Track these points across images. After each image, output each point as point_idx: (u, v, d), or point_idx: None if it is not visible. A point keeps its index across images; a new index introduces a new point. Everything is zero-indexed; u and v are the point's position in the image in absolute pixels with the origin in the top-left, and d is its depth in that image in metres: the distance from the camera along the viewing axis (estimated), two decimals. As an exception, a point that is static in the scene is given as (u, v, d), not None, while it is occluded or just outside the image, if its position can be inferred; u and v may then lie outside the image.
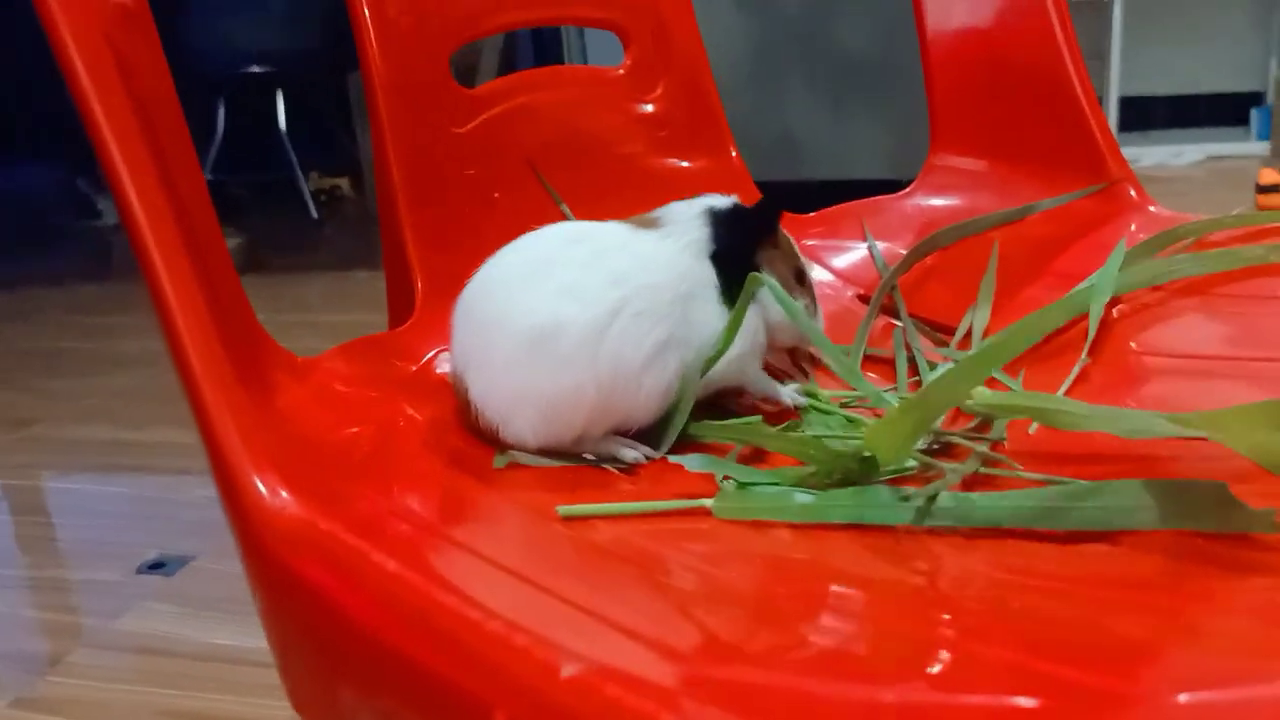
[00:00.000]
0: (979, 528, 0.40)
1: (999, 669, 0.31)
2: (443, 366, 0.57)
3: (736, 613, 0.36)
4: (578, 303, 0.46)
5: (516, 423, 0.47)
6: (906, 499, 0.41)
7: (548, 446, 0.48)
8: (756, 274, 0.51)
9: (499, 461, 0.47)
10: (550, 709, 0.30)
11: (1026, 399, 0.45)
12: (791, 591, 0.37)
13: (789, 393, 0.55)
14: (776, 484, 0.44)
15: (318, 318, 1.74)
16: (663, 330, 0.49)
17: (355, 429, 0.49)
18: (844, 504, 0.42)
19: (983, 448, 0.46)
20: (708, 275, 0.51)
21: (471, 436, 0.49)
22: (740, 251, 0.52)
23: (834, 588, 0.37)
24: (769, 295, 0.52)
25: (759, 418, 0.53)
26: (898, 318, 0.65)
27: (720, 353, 0.50)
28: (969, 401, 0.43)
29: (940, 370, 0.53)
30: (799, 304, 0.54)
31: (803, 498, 0.42)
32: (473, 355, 0.48)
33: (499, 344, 0.47)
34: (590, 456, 0.49)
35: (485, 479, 0.46)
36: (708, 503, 0.43)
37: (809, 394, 0.55)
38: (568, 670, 0.30)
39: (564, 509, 0.42)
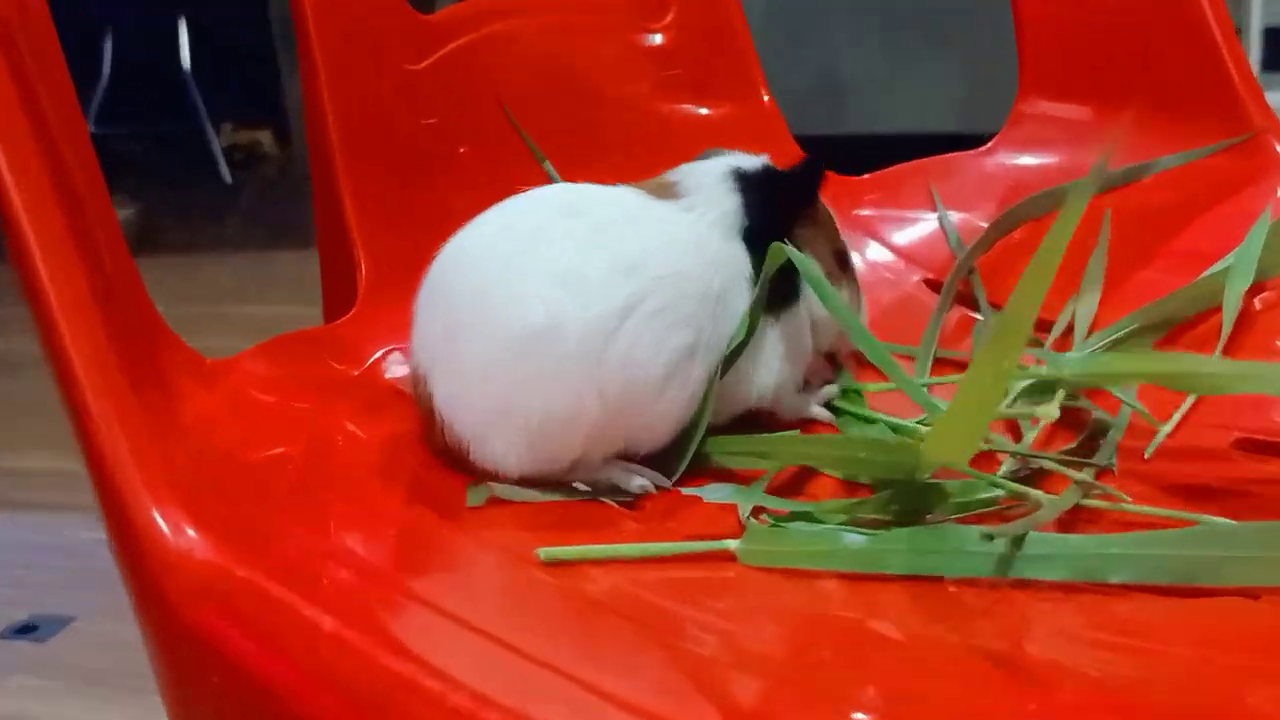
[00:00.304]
0: (1079, 581, 0.40)
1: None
2: (393, 370, 0.57)
3: (767, 688, 0.36)
4: (579, 295, 0.47)
5: (495, 443, 0.47)
6: (988, 539, 0.41)
7: (534, 474, 0.48)
8: (780, 245, 0.51)
9: (474, 498, 0.47)
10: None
11: (1137, 362, 0.45)
12: (837, 661, 0.37)
13: (818, 408, 0.56)
14: (818, 520, 0.44)
15: (233, 308, 1.75)
16: (687, 334, 0.49)
17: (282, 449, 0.49)
18: (905, 548, 0.42)
19: (1085, 475, 0.47)
20: (740, 261, 0.51)
21: (433, 457, 0.50)
22: (778, 228, 0.52)
23: (892, 657, 0.38)
24: (808, 287, 0.53)
25: (795, 433, 0.53)
26: (977, 309, 0.65)
27: (737, 351, 0.51)
28: (1057, 373, 0.43)
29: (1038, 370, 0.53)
30: (840, 293, 0.54)
31: (852, 539, 0.42)
32: (440, 353, 0.48)
33: (475, 342, 0.47)
34: (583, 486, 0.49)
35: (449, 513, 0.47)
36: (731, 545, 0.43)
37: (844, 394, 0.56)
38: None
39: (547, 552, 0.43)
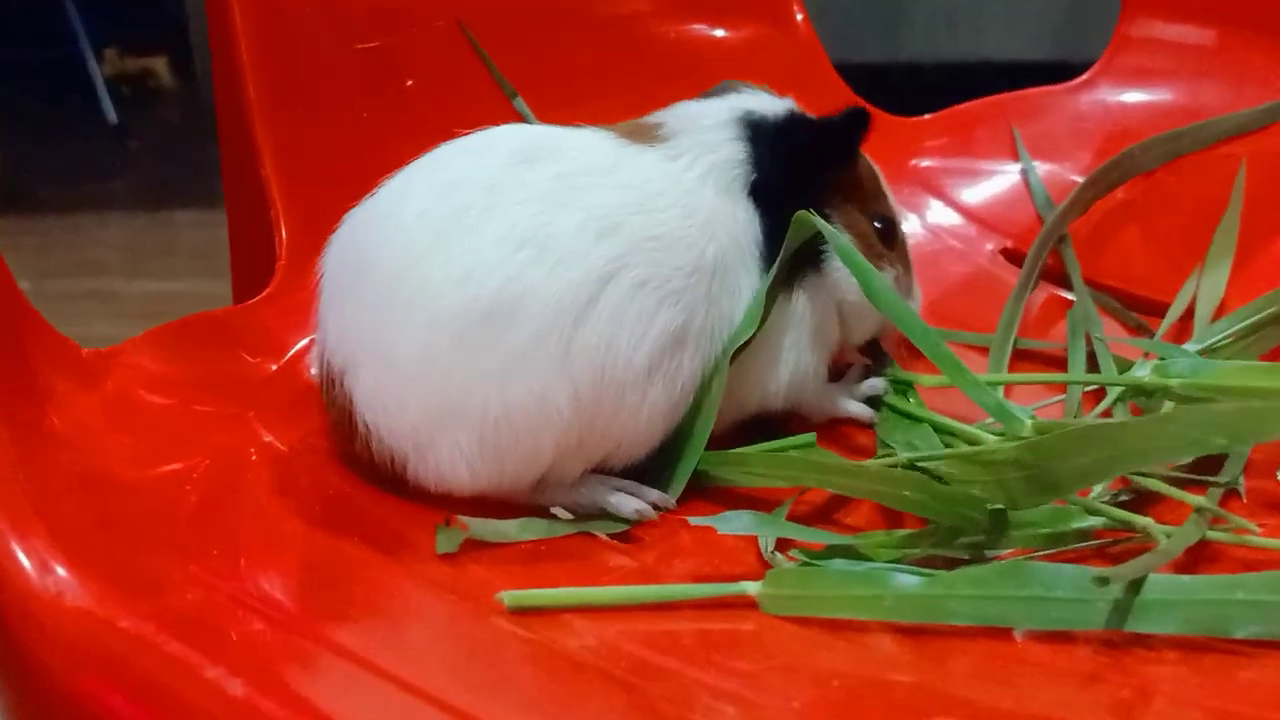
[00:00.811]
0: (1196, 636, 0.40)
1: None
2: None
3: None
4: (542, 261, 0.47)
5: (439, 453, 0.48)
6: (1102, 583, 0.41)
7: (491, 491, 0.48)
8: (807, 215, 0.51)
9: (445, 543, 0.47)
10: None
11: (1269, 374, 0.45)
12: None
13: (852, 404, 0.56)
14: (861, 557, 0.44)
15: (120, 285, 1.74)
16: (676, 314, 0.49)
17: (179, 465, 0.49)
18: (974, 593, 0.42)
19: (1207, 501, 0.47)
20: (744, 225, 0.52)
21: (365, 475, 0.50)
22: (797, 186, 0.53)
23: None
24: (838, 263, 0.53)
25: (811, 437, 0.53)
26: (1068, 288, 0.65)
27: (743, 342, 0.51)
28: (1162, 382, 0.44)
29: (1141, 371, 0.53)
30: (884, 275, 0.54)
31: (905, 581, 0.42)
32: (363, 344, 0.48)
33: (409, 327, 0.47)
34: (564, 514, 0.49)
35: (389, 547, 0.47)
36: (752, 589, 0.43)
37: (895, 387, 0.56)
38: None
39: (512, 596, 0.43)
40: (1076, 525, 0.47)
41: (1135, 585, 0.41)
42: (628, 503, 0.49)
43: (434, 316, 0.46)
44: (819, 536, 0.46)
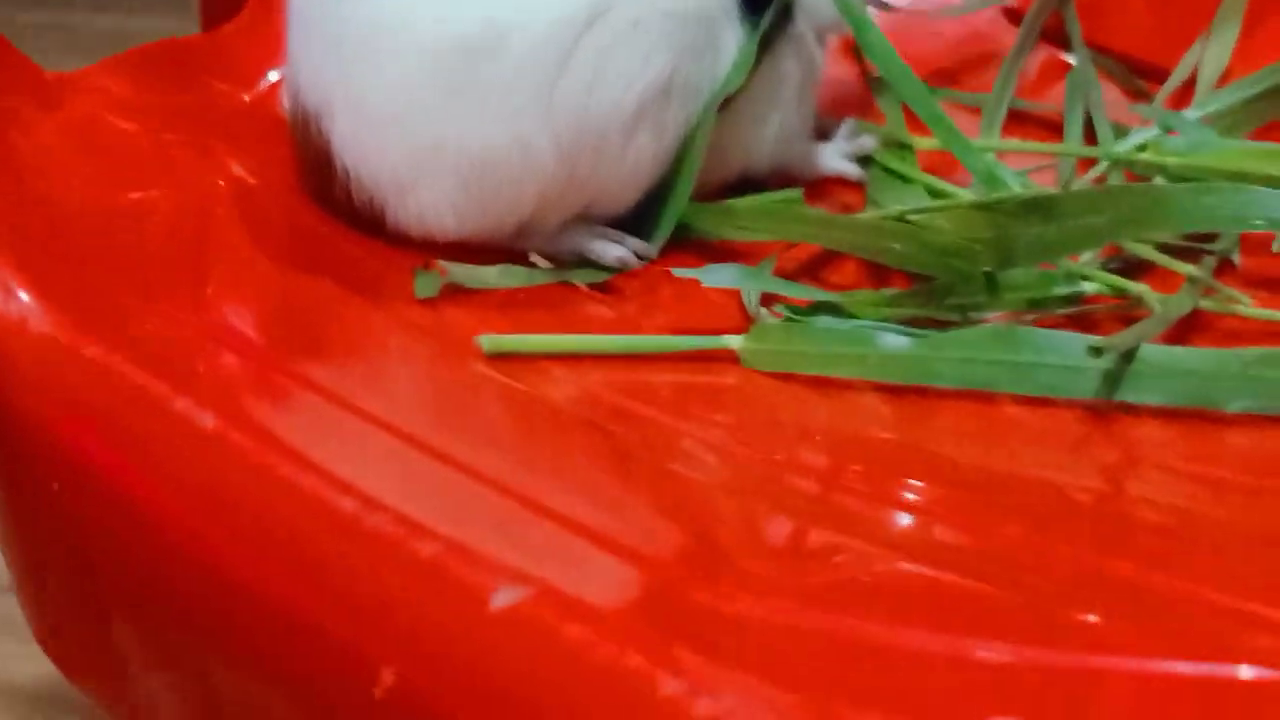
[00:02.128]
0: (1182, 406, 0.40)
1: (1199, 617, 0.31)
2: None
3: (774, 519, 0.36)
4: None
5: (422, 195, 0.47)
6: (1095, 354, 0.40)
7: (476, 234, 0.48)
8: None
9: (424, 288, 0.46)
10: (472, 663, 0.30)
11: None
12: (869, 492, 0.37)
13: (841, 161, 0.55)
14: (847, 315, 0.44)
15: (81, 19, 1.70)
16: (664, 63, 0.47)
17: (145, 193, 0.48)
18: (961, 355, 0.41)
19: (1200, 270, 0.46)
20: None
21: (342, 216, 0.49)
22: None
23: (941, 493, 0.37)
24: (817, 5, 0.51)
25: (798, 192, 0.52)
26: (1068, 49, 0.63)
27: (727, 94, 0.50)
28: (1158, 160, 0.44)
29: (1139, 137, 0.52)
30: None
31: (892, 341, 0.42)
32: (339, 83, 0.47)
33: (385, 65, 0.46)
34: (544, 262, 0.49)
35: (366, 287, 0.46)
36: (734, 342, 0.43)
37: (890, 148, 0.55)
38: (501, 598, 0.30)
39: (491, 340, 0.42)
40: (1065, 290, 0.46)
41: (1128, 354, 0.40)
42: (610, 249, 0.49)
43: (411, 54, 0.45)
44: (805, 292, 0.45)
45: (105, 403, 0.38)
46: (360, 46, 0.46)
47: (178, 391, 0.37)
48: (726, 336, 0.43)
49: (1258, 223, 0.41)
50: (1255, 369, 0.40)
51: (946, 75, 0.63)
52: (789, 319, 0.44)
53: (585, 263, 0.49)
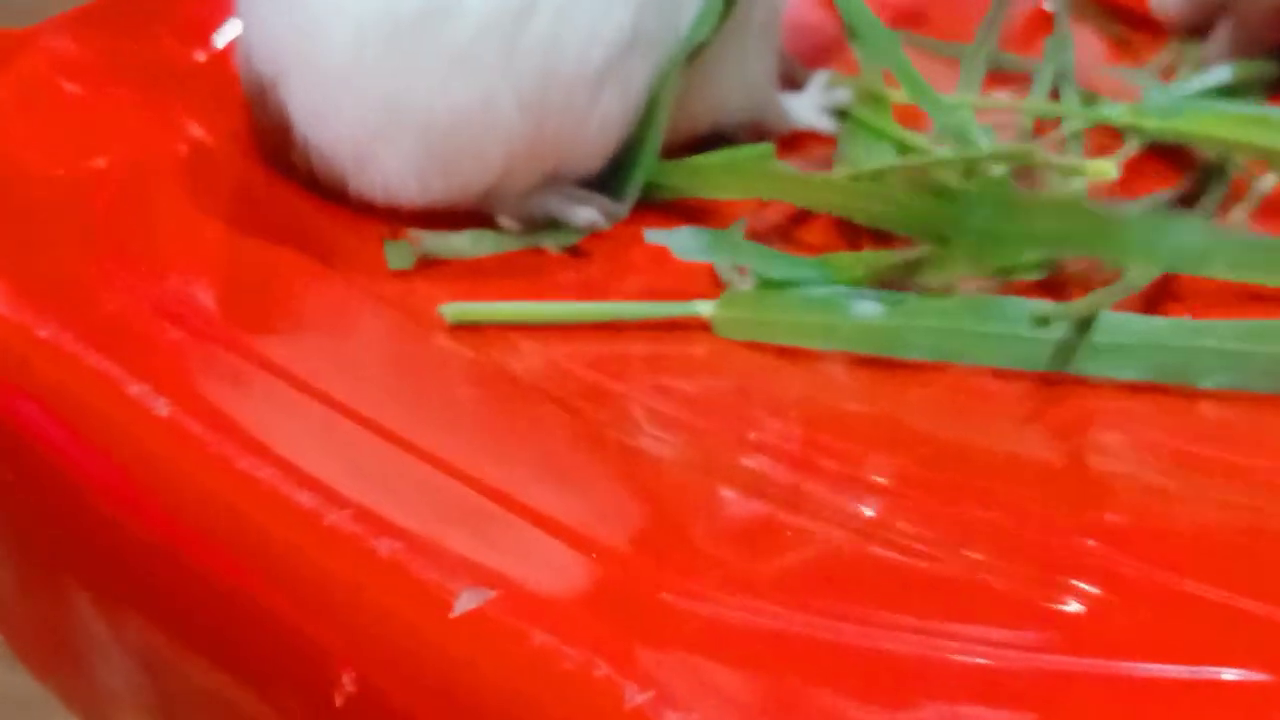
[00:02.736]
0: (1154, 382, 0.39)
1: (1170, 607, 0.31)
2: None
3: (747, 506, 0.35)
4: None
5: (385, 162, 0.46)
6: (1042, 323, 0.40)
7: (442, 201, 0.47)
8: None
9: (397, 259, 0.45)
10: (435, 667, 0.29)
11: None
12: (838, 472, 0.37)
13: (814, 114, 0.54)
14: (830, 281, 0.43)
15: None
16: (625, 15, 0.46)
17: (98, 158, 0.48)
18: (935, 324, 0.41)
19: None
20: None
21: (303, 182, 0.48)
22: None
23: (909, 470, 0.37)
24: None
25: (769, 147, 0.51)
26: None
27: (695, 45, 0.49)
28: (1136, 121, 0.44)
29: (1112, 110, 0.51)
30: None
31: (866, 310, 0.41)
32: (290, 50, 0.46)
33: (338, 30, 0.45)
34: (510, 223, 0.48)
35: (330, 256, 0.45)
36: (704, 309, 0.42)
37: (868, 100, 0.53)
38: (465, 601, 0.29)
39: (454, 310, 0.42)
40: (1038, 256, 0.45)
41: (1086, 325, 0.40)
42: (580, 211, 0.48)
43: (364, 18, 0.44)
44: (777, 261, 0.44)
45: (58, 387, 0.38)
46: (314, 11, 0.45)
47: (133, 375, 0.37)
48: (697, 303, 0.43)
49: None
50: (1233, 342, 0.39)
51: (930, 26, 0.62)
52: (762, 284, 0.43)
53: (555, 225, 0.48)
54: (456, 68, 0.45)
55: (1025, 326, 0.40)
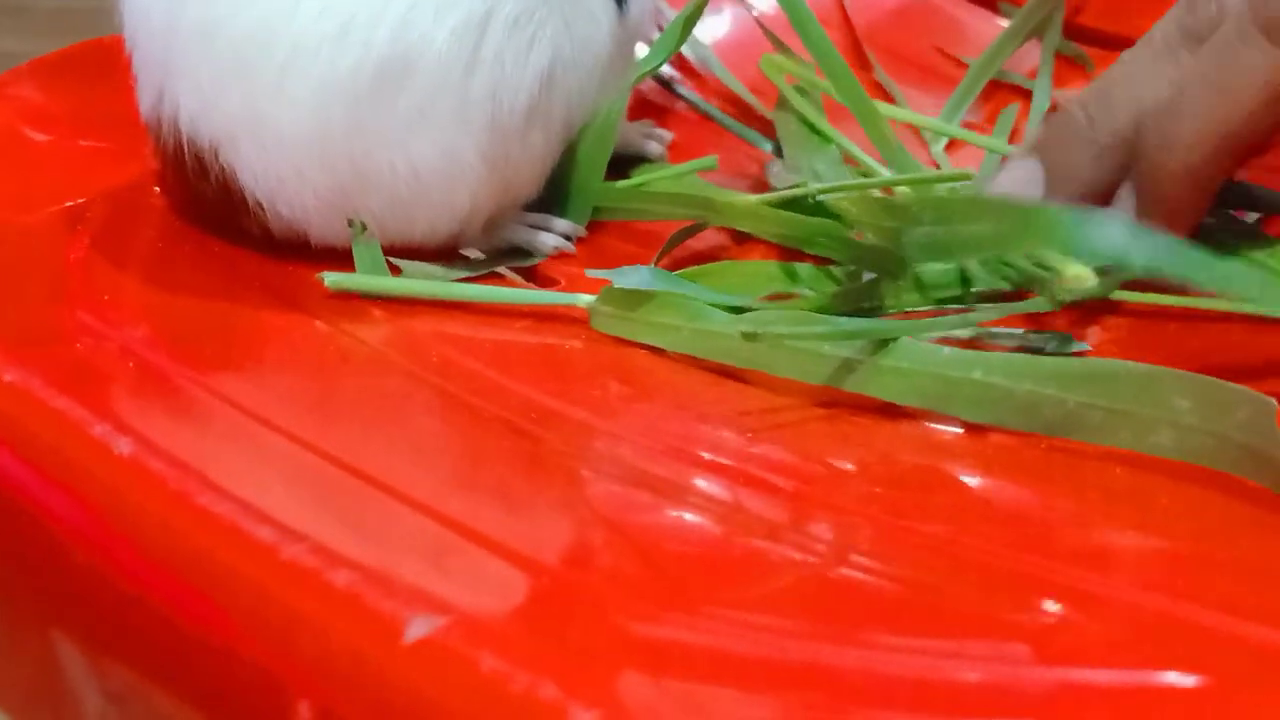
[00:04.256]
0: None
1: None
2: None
3: (694, 525, 0.36)
4: (424, 4, 0.44)
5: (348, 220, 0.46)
6: (751, 338, 0.41)
7: (404, 246, 0.48)
8: None
9: (358, 268, 0.46)
10: (389, 698, 0.29)
11: None
12: (779, 488, 0.37)
13: (639, 135, 0.56)
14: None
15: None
16: (546, 47, 0.47)
17: (68, 204, 0.48)
18: (766, 335, 0.41)
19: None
20: None
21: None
22: None
23: (850, 485, 0.38)
24: None
25: (712, 159, 0.52)
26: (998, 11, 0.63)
27: (650, 71, 0.51)
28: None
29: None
30: None
31: (715, 319, 0.42)
32: (237, 115, 0.45)
33: (292, 95, 0.44)
34: (476, 254, 0.49)
35: (294, 296, 0.45)
36: (583, 301, 0.44)
37: None
38: (416, 628, 0.30)
39: (333, 279, 0.44)
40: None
41: (891, 349, 0.39)
42: (545, 239, 0.49)
43: (319, 82, 0.44)
44: (714, 295, 0.44)
45: (25, 429, 0.38)
46: (257, 74, 0.44)
47: (97, 416, 0.37)
48: (579, 296, 0.44)
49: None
50: (997, 377, 0.38)
51: (887, 47, 0.63)
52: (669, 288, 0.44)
53: (518, 252, 0.49)
54: (417, 123, 0.45)
55: (827, 340, 0.40)
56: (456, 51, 0.45)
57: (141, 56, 0.47)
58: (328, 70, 0.44)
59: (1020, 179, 0.46)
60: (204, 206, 0.48)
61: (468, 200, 0.47)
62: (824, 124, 0.54)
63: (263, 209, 0.46)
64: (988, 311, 0.43)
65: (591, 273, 0.45)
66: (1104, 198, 0.44)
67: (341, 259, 0.46)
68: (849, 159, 0.54)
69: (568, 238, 0.50)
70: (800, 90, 0.56)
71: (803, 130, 0.55)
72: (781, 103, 0.56)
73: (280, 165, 0.45)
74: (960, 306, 0.45)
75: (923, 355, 0.39)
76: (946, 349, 0.39)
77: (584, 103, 0.49)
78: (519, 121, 0.47)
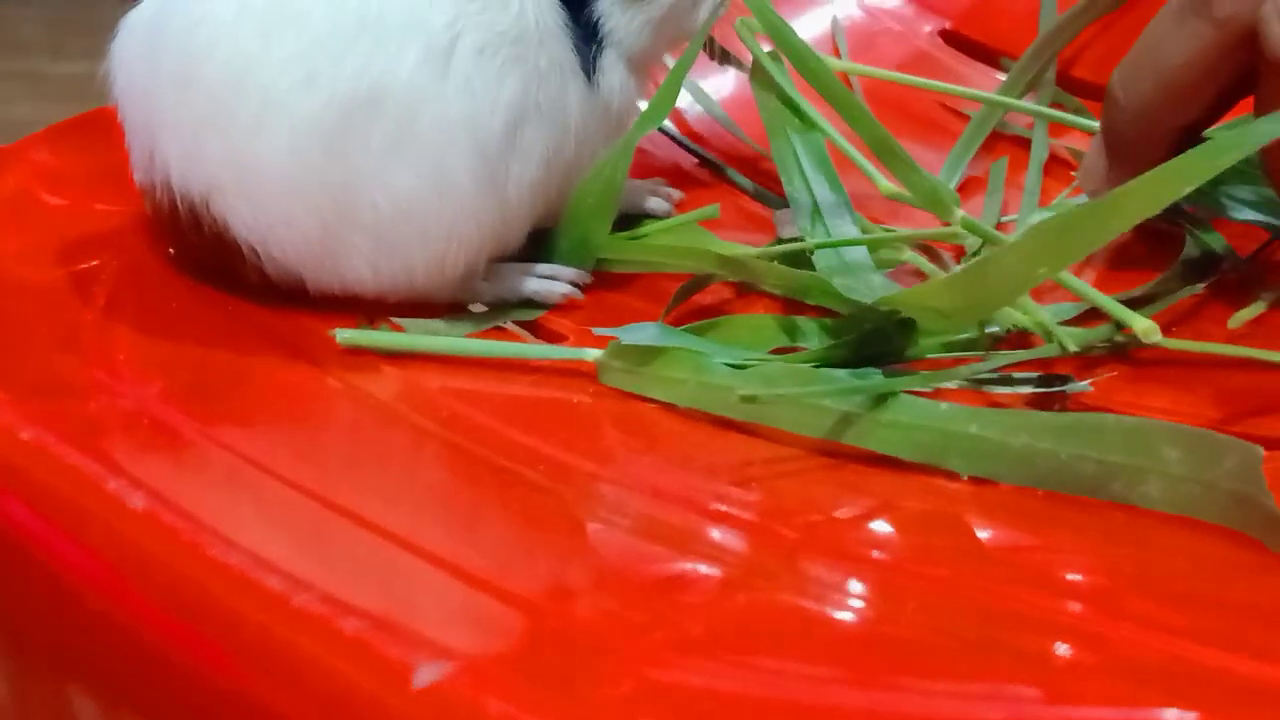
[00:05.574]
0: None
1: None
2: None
3: (684, 569, 0.36)
4: (386, 42, 0.45)
5: (338, 260, 0.47)
6: (750, 400, 0.41)
7: (397, 292, 0.48)
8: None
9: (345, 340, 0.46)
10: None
11: None
12: (755, 524, 0.38)
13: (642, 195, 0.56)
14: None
15: (47, 66, 1.70)
16: (517, 82, 0.48)
17: (84, 265, 0.49)
18: (763, 391, 0.42)
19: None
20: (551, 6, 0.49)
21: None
22: None
23: (828, 522, 0.38)
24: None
25: (714, 208, 0.53)
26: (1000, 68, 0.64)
27: (653, 125, 0.51)
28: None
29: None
30: None
31: (723, 373, 0.43)
32: (222, 164, 0.46)
33: (270, 141, 0.45)
34: (481, 308, 0.49)
35: (307, 350, 0.46)
36: (591, 356, 0.45)
37: None
38: (424, 674, 0.30)
39: (345, 335, 0.45)
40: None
41: (891, 404, 0.40)
42: (553, 288, 0.50)
43: (293, 126, 0.45)
44: (719, 350, 0.45)
45: (41, 484, 0.38)
46: (234, 123, 0.45)
47: (111, 472, 0.38)
48: (586, 350, 0.45)
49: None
50: (990, 430, 0.39)
51: (891, 100, 0.63)
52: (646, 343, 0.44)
53: (526, 303, 0.50)
54: (394, 155, 0.46)
55: (828, 396, 0.41)
56: (423, 81, 0.45)
57: (130, 121, 0.48)
58: (298, 117, 0.45)
59: (1089, 165, 0.51)
60: (203, 259, 0.48)
61: (445, 232, 0.47)
62: (795, 94, 0.52)
63: (258, 255, 0.47)
64: (997, 358, 0.44)
65: (600, 330, 0.46)
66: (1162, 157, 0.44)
67: (344, 305, 0.47)
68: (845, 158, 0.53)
69: (575, 284, 0.50)
70: (773, 56, 0.54)
71: (796, 166, 0.53)
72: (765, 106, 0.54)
73: (268, 210, 0.46)
74: (972, 354, 0.46)
75: (921, 410, 0.40)
76: (944, 404, 0.40)
77: (562, 160, 0.49)
78: (500, 142, 0.47)
